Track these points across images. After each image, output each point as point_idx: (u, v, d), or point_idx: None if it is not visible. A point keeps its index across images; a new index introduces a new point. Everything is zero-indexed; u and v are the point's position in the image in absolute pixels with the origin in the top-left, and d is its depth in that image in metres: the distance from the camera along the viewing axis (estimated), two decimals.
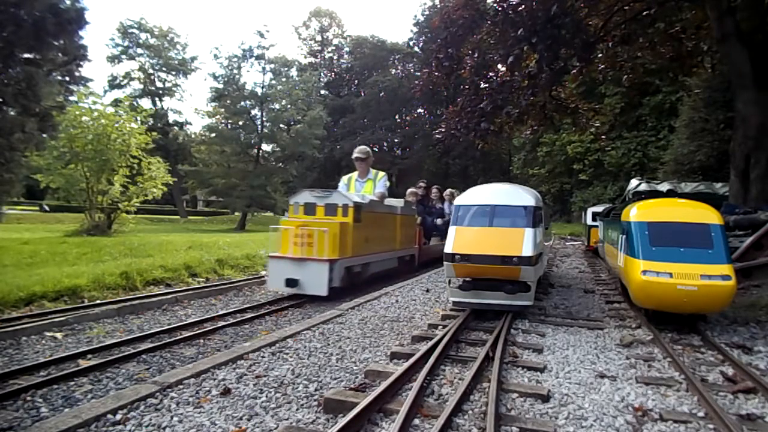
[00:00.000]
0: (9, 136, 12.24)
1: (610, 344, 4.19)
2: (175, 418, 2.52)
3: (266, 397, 2.85)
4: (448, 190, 13.22)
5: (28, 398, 3.10)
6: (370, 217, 7.29)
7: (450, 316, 5.02)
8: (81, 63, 19.36)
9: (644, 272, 4.40)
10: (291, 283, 6.34)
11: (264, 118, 39.82)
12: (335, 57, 56.21)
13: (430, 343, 3.73)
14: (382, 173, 8.35)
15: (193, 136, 47.51)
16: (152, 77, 46.27)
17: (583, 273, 9.53)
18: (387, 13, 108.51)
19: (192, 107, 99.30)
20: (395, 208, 8.64)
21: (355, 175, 8.29)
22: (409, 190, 11.33)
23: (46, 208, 35.55)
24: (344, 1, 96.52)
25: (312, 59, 55.20)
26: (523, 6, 9.43)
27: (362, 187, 8.13)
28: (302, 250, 6.46)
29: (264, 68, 40.75)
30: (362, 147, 8.44)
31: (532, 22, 8.94)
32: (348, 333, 4.37)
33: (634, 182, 13.19)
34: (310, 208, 6.83)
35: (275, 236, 6.92)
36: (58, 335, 4.64)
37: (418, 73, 38.76)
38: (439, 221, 11.50)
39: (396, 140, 49.85)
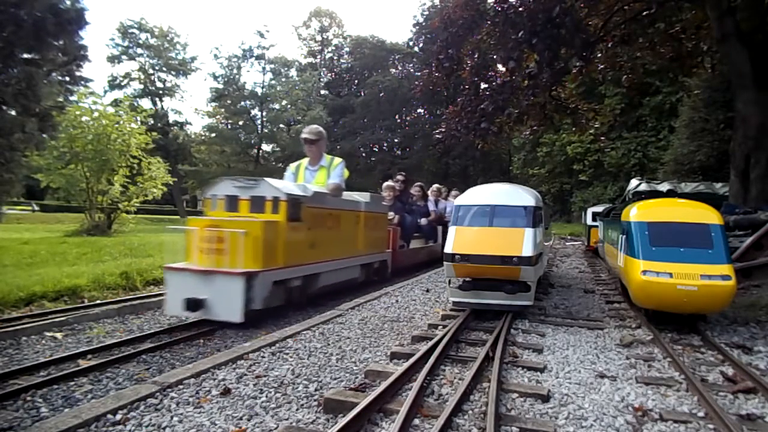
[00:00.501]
0: (9, 136, 12.27)
1: (610, 344, 4.19)
2: (175, 418, 2.52)
3: (266, 397, 2.85)
4: (435, 186, 12.11)
5: (28, 398, 3.09)
6: (316, 215, 5.77)
7: (450, 316, 5.02)
8: (81, 63, 19.42)
9: (644, 272, 4.40)
10: (193, 305, 4.68)
11: (264, 118, 39.89)
12: (335, 57, 56.25)
13: (430, 343, 3.73)
14: (338, 160, 6.79)
15: (193, 136, 47.58)
16: (152, 77, 46.31)
17: (583, 273, 9.53)
18: (387, 13, 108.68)
19: (192, 107, 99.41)
20: (357, 204, 7.07)
21: (305, 162, 6.74)
22: (385, 184, 9.70)
23: (36, 207, 35.13)
24: (344, 1, 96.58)
25: (312, 59, 55.26)
26: (522, 6, 9.44)
27: (313, 176, 6.60)
28: (210, 259, 4.88)
29: (264, 68, 40.91)
30: (313, 126, 6.91)
31: (532, 23, 8.94)
32: (348, 333, 4.37)
33: (634, 182, 13.20)
34: (231, 203, 5.27)
35: (172, 241, 5.42)
36: (58, 335, 4.64)
37: (418, 73, 38.82)
38: (423, 221, 10.30)
39: (396, 140, 49.85)
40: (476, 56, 10.92)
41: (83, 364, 3.75)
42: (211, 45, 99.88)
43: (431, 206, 11.04)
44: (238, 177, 5.49)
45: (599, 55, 12.15)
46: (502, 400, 2.87)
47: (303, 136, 6.71)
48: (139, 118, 18.68)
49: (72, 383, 3.40)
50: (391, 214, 8.88)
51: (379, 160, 48.29)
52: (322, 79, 49.92)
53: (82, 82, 23.40)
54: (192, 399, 2.76)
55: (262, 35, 40.65)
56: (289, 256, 5.27)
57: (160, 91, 46.63)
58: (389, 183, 9.72)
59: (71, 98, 18.96)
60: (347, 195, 6.96)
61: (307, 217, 5.56)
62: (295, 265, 5.44)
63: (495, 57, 10.61)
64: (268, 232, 4.98)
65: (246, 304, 4.69)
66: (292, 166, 6.87)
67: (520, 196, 5.22)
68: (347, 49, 54.75)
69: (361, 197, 7.32)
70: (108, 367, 3.74)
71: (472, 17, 10.18)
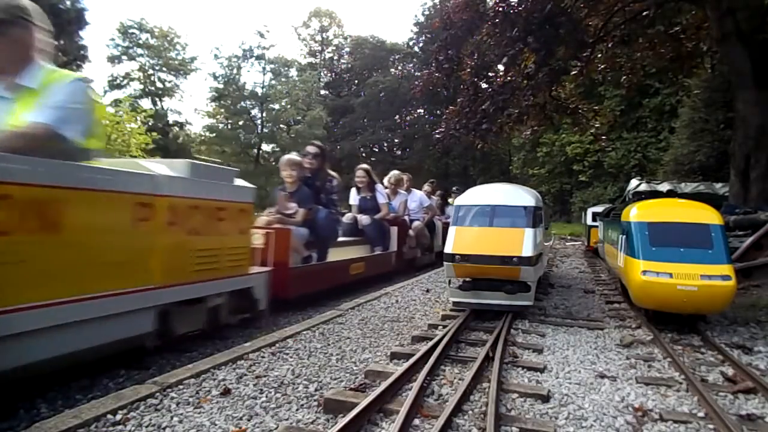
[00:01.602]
0: None
1: (610, 344, 4.19)
2: (175, 419, 2.51)
3: (266, 397, 2.85)
4: (394, 173, 9.31)
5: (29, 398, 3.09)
6: None
7: (450, 316, 5.02)
8: (81, 63, 19.42)
9: (644, 272, 4.40)
10: None
11: (264, 118, 39.91)
12: (335, 57, 56.26)
13: (430, 344, 3.72)
14: (67, 74, 2.93)
15: (193, 136, 47.56)
16: (152, 78, 46.33)
17: (583, 273, 9.53)
18: (387, 13, 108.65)
19: (192, 107, 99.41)
20: (147, 181, 3.06)
21: None
22: (285, 158, 5.99)
23: None
24: (344, 1, 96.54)
25: (312, 59, 55.27)
26: (521, 6, 9.45)
27: (6, 110, 2.64)
28: None
29: (264, 68, 40.97)
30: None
31: (528, 22, 8.95)
32: (348, 333, 4.37)
33: (634, 182, 13.22)
34: None
35: None
36: None
37: (418, 74, 38.85)
38: (364, 219, 7.43)
39: (396, 140, 49.89)
40: (476, 57, 10.92)
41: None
42: (211, 45, 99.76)
43: (381, 199, 7.90)
44: None
45: (599, 55, 12.17)
46: (502, 400, 2.87)
47: None
48: (139, 119, 18.67)
49: (72, 383, 3.39)
50: (293, 206, 5.74)
51: (380, 160, 48.26)
52: (322, 79, 49.98)
53: None
54: (192, 399, 2.76)
55: (262, 35, 40.80)
56: None
57: (160, 92, 46.59)
58: (291, 157, 6.03)
59: None
60: (129, 163, 3.39)
61: None
62: None
63: (493, 57, 10.60)
64: None
65: None
66: None
67: (520, 196, 5.22)
68: (347, 49, 54.77)
69: (167, 168, 3.37)
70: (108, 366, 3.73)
71: (472, 18, 10.19)
